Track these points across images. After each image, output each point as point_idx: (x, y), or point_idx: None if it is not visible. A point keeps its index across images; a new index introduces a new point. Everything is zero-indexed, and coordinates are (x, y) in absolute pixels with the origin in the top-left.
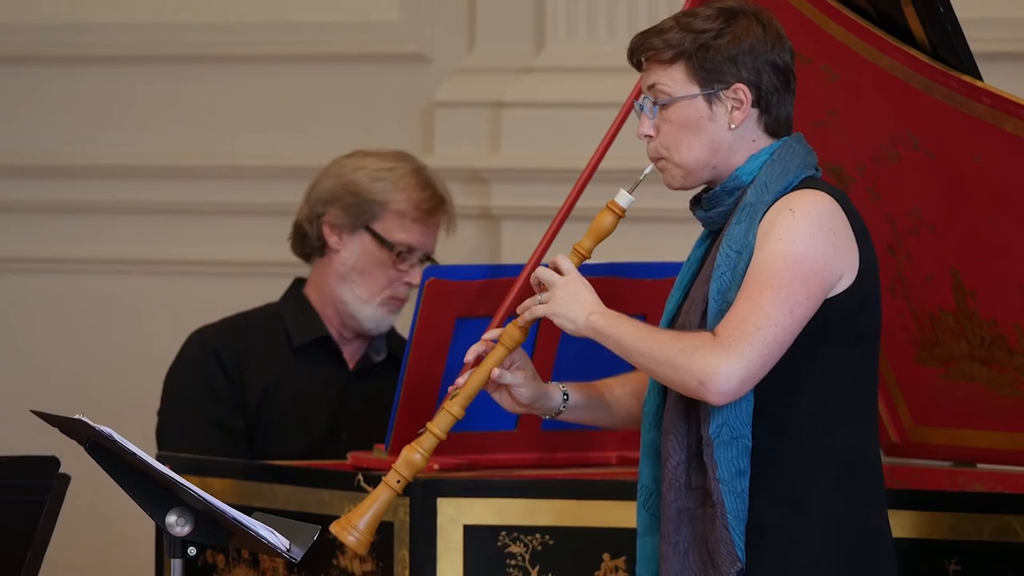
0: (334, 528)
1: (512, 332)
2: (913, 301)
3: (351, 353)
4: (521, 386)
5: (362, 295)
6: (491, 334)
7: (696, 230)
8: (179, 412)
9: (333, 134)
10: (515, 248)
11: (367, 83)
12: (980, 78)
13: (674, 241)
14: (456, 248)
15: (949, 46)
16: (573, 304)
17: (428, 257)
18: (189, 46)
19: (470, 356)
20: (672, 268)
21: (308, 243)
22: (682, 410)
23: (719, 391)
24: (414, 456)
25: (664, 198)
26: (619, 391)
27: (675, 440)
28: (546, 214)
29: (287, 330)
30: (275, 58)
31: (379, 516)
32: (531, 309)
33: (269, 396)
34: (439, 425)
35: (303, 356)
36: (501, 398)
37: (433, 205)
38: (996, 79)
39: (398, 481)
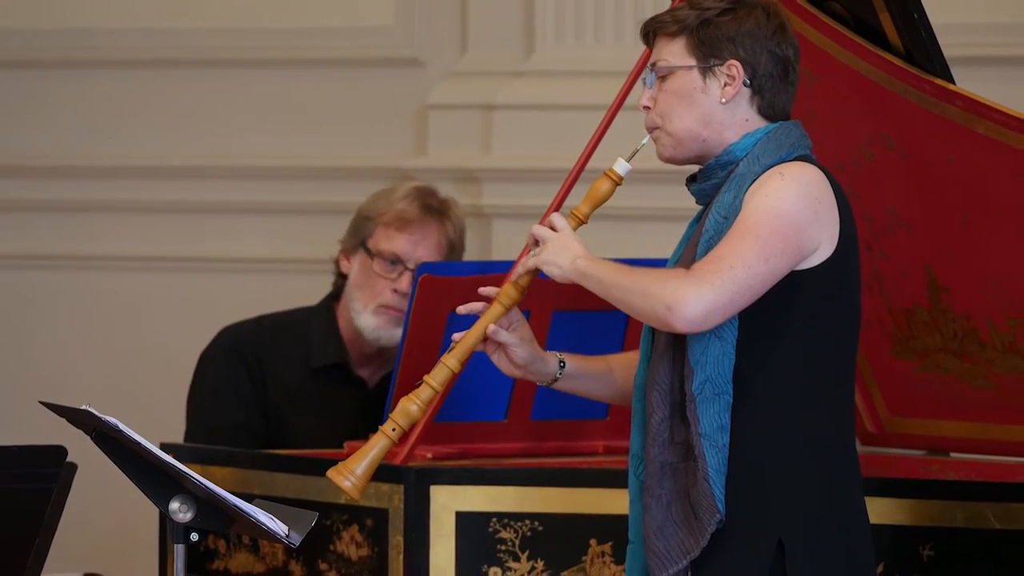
0: (331, 473)
1: (508, 291)
2: (889, 297)
3: (370, 373)
4: (517, 346)
5: (359, 307)
6: (486, 291)
7: (680, 230)
8: (207, 414)
9: (330, 135)
10: (505, 245)
11: (363, 86)
12: (953, 81)
13: (660, 240)
14: None
15: (923, 51)
16: (562, 252)
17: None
18: (191, 51)
19: (463, 309)
20: (661, 264)
21: (338, 278)
22: (667, 367)
23: (684, 316)
24: (411, 407)
25: (650, 198)
26: (619, 366)
27: (659, 396)
28: (535, 212)
29: (309, 347)
30: (274, 62)
31: (376, 463)
32: (523, 262)
33: (288, 406)
34: (436, 378)
35: (320, 375)
36: (499, 359)
37: (415, 215)
38: (968, 83)
39: (394, 429)
